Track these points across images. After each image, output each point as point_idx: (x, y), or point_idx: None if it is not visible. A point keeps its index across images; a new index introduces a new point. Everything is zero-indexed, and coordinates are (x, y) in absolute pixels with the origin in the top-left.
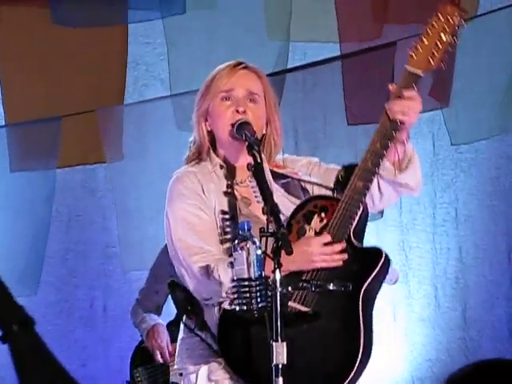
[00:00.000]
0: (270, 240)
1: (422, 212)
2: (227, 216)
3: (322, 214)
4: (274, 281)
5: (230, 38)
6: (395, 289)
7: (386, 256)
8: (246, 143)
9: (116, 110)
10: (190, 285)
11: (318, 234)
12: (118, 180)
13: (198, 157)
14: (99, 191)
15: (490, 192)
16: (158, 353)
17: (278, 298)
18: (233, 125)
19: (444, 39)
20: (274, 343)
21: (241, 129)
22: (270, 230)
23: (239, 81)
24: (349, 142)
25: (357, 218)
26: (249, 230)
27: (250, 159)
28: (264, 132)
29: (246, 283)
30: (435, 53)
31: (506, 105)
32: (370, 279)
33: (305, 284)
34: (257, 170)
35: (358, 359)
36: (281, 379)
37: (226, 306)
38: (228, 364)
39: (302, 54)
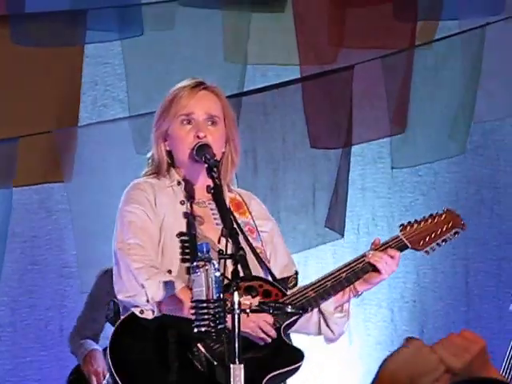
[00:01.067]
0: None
1: (379, 234)
2: (184, 237)
3: (264, 296)
4: (233, 303)
5: (187, 60)
6: (352, 313)
7: (301, 364)
8: (206, 165)
9: (73, 131)
10: (119, 281)
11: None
12: (75, 200)
13: (156, 173)
14: (56, 211)
15: None
16: (93, 378)
17: (237, 319)
18: (193, 148)
19: (439, 234)
20: (232, 365)
21: (200, 151)
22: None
23: (199, 104)
24: (308, 164)
25: (293, 318)
26: (207, 251)
27: (209, 181)
28: (223, 150)
29: (205, 305)
30: (427, 239)
31: (455, 128)
32: (278, 372)
33: (263, 306)
34: (216, 192)
35: None
36: None
37: (136, 311)
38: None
39: (263, 75)
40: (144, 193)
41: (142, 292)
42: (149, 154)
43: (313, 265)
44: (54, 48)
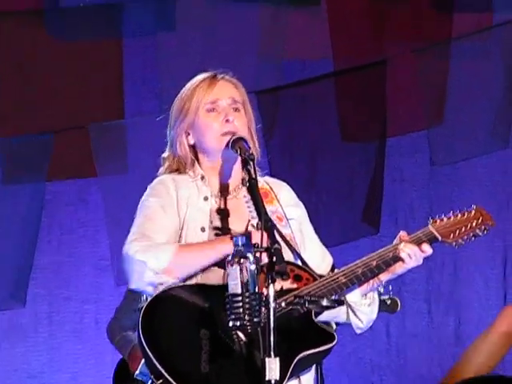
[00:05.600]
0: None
1: (417, 226)
2: (219, 231)
3: (295, 280)
4: (268, 296)
5: (223, 55)
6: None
7: (334, 345)
8: (241, 158)
9: (112, 125)
10: (125, 274)
11: (283, 292)
12: (109, 191)
13: (177, 169)
14: (92, 204)
15: (486, 207)
16: None
17: (272, 313)
18: (224, 134)
19: (468, 229)
20: (267, 359)
21: (235, 144)
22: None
23: (222, 90)
24: (345, 157)
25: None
26: (243, 245)
27: (239, 173)
28: None
29: (240, 298)
30: (457, 233)
31: (497, 122)
32: (309, 352)
33: (297, 299)
34: (251, 186)
35: None
36: None
37: (153, 291)
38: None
39: (300, 69)
40: (164, 186)
41: (145, 268)
42: (164, 154)
43: (350, 257)
44: (92, 42)
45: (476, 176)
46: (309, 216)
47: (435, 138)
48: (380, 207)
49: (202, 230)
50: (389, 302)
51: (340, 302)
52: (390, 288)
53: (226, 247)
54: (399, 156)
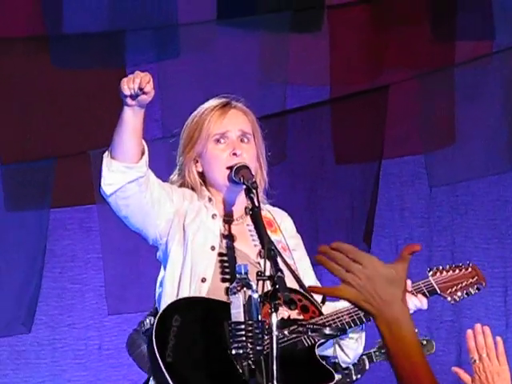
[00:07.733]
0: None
1: (417, 254)
2: (224, 257)
3: (302, 311)
4: (271, 324)
5: (225, 81)
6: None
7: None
8: (245, 187)
9: None
10: None
11: (288, 321)
12: (105, 220)
13: None
14: (95, 230)
15: (487, 235)
16: None
17: (275, 341)
18: (229, 168)
19: (464, 286)
20: None
21: (239, 172)
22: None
23: (231, 122)
24: (345, 182)
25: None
26: (246, 273)
27: (244, 200)
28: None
29: (243, 327)
30: (453, 289)
31: (500, 145)
32: None
33: (300, 328)
34: (254, 214)
35: None
36: None
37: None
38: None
39: (298, 94)
40: (183, 190)
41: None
42: (173, 177)
43: None
44: (94, 70)
45: (476, 204)
46: (307, 239)
47: (431, 160)
48: (372, 229)
49: (212, 248)
50: (425, 342)
51: (342, 330)
52: (426, 330)
53: (124, 109)
54: (400, 184)
